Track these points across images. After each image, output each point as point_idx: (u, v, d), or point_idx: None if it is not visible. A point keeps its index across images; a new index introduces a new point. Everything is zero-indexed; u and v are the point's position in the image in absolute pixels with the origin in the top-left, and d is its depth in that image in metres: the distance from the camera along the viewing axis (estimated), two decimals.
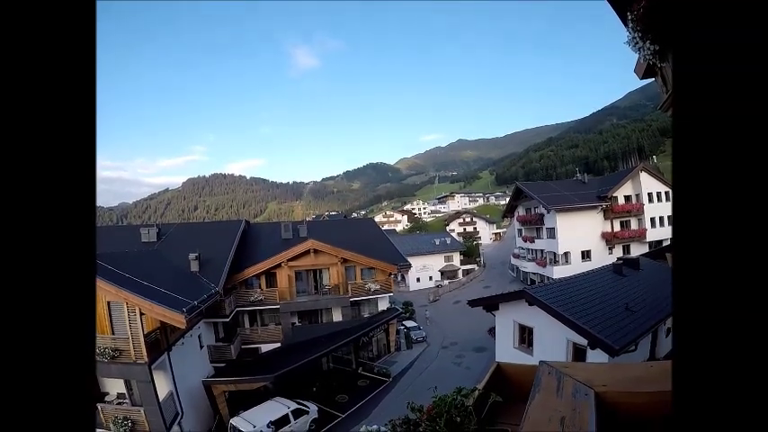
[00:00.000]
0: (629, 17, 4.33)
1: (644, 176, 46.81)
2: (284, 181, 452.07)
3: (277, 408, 20.63)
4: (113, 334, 17.43)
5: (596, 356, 14.87)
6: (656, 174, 48.69)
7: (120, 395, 18.73)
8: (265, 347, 28.29)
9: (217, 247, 28.10)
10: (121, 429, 16.94)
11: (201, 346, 24.07)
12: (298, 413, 20.65)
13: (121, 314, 17.33)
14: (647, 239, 45.40)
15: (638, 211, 46.15)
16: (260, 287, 29.57)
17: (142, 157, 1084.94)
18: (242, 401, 21.82)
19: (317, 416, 21.80)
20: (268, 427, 19.10)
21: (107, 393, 18.91)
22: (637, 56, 4.93)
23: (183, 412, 19.32)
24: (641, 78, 5.99)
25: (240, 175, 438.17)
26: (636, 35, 4.40)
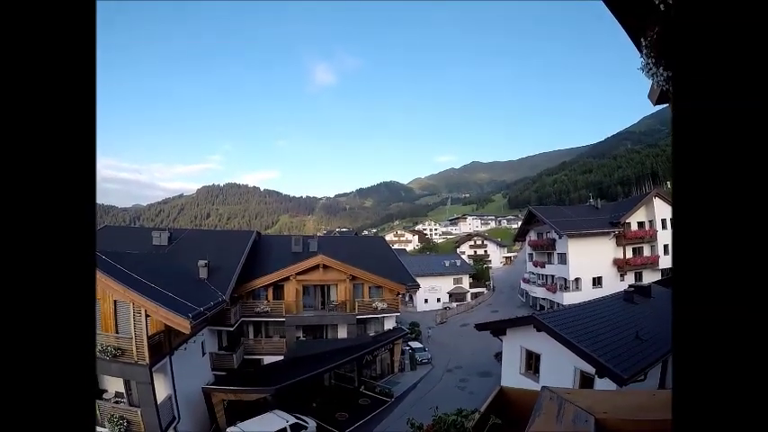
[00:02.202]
0: (643, 43, 4.33)
1: (658, 202, 46.41)
2: (297, 195, 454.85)
3: (275, 420, 20.41)
4: (117, 333, 17.56)
5: (604, 385, 14.58)
6: (670, 200, 48.22)
7: (118, 394, 18.75)
8: (268, 359, 28.20)
9: (226, 256, 28.27)
10: (116, 428, 16.94)
11: (204, 353, 24.05)
12: (296, 428, 20.39)
13: (127, 314, 17.47)
14: (660, 267, 44.83)
15: (651, 238, 45.77)
16: (267, 299, 29.67)
17: (160, 162, 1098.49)
18: (240, 412, 21.63)
19: (315, 431, 21.55)
20: None
21: (105, 391, 18.94)
22: (650, 82, 4.93)
23: (179, 417, 19.26)
24: (655, 104, 5.95)
25: (254, 186, 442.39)
26: (649, 61, 4.37)
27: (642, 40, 4.37)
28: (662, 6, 3.75)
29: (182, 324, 17.74)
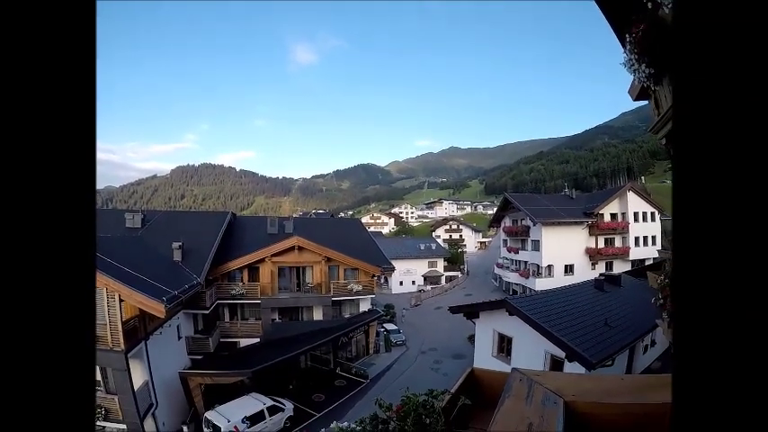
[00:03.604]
0: (628, 39, 4.41)
1: (631, 196, 47.70)
2: (274, 176, 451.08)
3: (252, 403, 20.48)
4: None
5: (573, 369, 15.00)
6: (644, 194, 49.58)
7: None
8: (244, 342, 28.04)
9: (201, 238, 27.79)
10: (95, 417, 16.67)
11: (180, 337, 23.77)
12: (273, 410, 20.52)
13: (100, 299, 16.96)
14: (630, 257, 46.14)
15: (623, 230, 46.97)
16: (242, 281, 29.36)
17: (135, 141, 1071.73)
18: (218, 395, 21.61)
19: (292, 413, 21.69)
20: (243, 422, 18.95)
21: None
22: (632, 78, 5.03)
23: (157, 403, 19.09)
24: (635, 100, 6.11)
25: (230, 167, 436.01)
26: (632, 57, 4.49)
27: (627, 36, 4.46)
28: (649, 5, 3.83)
29: (156, 308, 17.45)
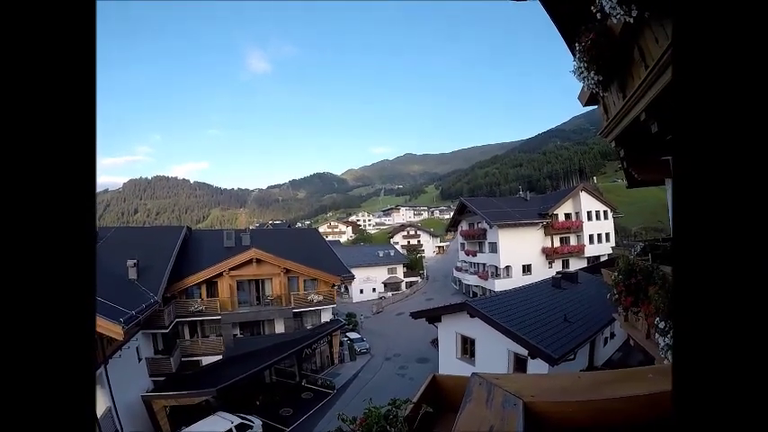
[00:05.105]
0: (577, 48, 4.63)
1: (584, 196, 49.39)
2: (229, 187, 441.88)
3: (220, 423, 19.87)
4: None
5: (537, 366, 15.42)
6: (596, 193, 51.38)
7: None
8: (206, 360, 27.35)
9: (156, 254, 27.00)
10: None
11: (140, 359, 22.92)
12: (241, 428, 19.97)
13: None
14: (586, 255, 47.85)
15: (578, 228, 48.60)
16: (201, 297, 28.68)
17: None
18: (184, 417, 20.92)
19: (261, 430, 21.25)
20: None
21: None
22: (582, 84, 5.27)
23: (122, 429, 18.33)
24: (584, 105, 6.39)
25: (184, 179, 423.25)
26: (582, 65, 4.70)
27: (577, 45, 4.70)
28: (598, 15, 4.06)
29: (114, 330, 16.77)
